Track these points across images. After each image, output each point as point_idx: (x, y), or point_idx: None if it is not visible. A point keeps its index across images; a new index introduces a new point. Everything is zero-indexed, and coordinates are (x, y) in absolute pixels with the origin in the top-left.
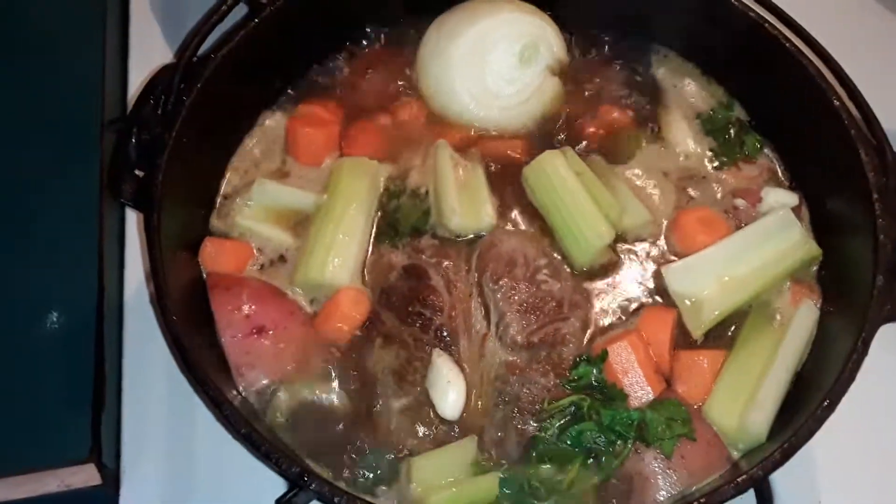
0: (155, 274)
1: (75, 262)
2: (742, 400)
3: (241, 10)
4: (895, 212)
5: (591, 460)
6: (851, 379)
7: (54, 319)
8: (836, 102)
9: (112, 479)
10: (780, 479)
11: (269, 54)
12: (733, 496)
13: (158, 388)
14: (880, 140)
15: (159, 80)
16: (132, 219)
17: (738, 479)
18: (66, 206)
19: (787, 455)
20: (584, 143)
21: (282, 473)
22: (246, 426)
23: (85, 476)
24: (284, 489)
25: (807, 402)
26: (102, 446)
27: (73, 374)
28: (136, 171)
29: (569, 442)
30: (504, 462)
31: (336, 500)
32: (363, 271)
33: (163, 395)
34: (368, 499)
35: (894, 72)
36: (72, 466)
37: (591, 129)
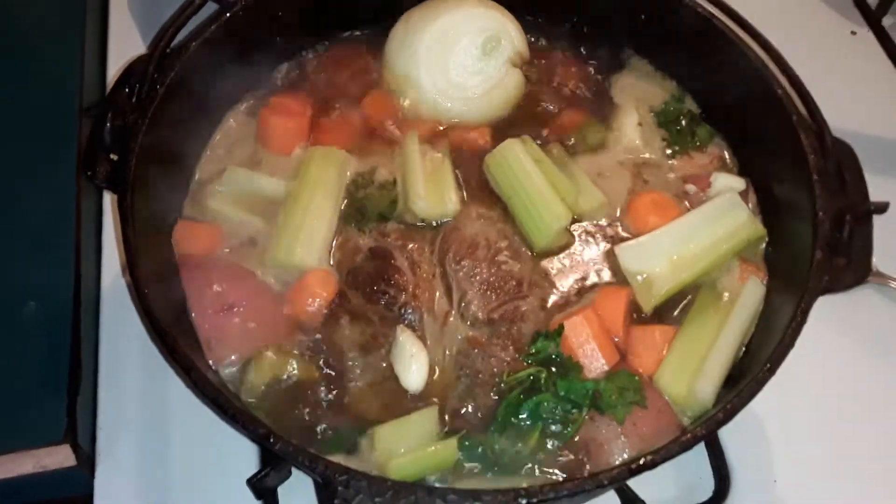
0: (127, 248)
1: (53, 249)
2: (691, 370)
3: (214, 5)
4: (833, 191)
5: (549, 429)
6: (791, 345)
7: (31, 303)
8: (780, 91)
9: (87, 461)
10: (737, 462)
11: (240, 47)
12: (679, 453)
13: (134, 372)
14: (820, 125)
15: (134, 69)
16: (109, 208)
17: (683, 438)
18: (44, 194)
19: (728, 415)
20: (544, 132)
21: (248, 435)
22: (214, 391)
23: (60, 457)
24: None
25: (752, 371)
26: (78, 428)
27: (50, 356)
28: (111, 156)
29: (527, 412)
30: (465, 431)
31: (300, 459)
32: (331, 253)
33: (138, 378)
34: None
35: (834, 65)
36: (47, 447)
37: (551, 120)
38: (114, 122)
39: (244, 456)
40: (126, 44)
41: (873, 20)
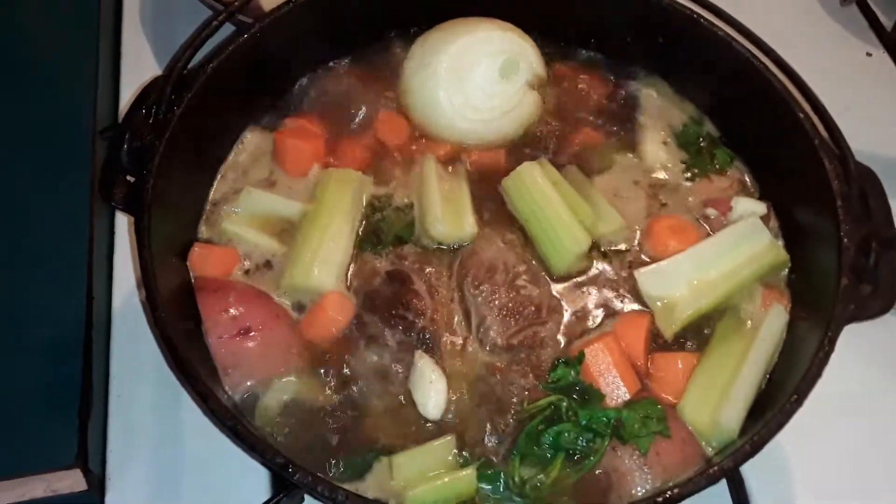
0: (144, 271)
1: (65, 270)
2: (715, 399)
3: (230, 27)
4: (857, 217)
5: (571, 458)
6: (818, 375)
7: (43, 326)
8: (801, 115)
9: (98, 485)
10: (756, 485)
11: (257, 68)
12: (705, 486)
13: (145, 396)
14: (843, 150)
15: (151, 90)
16: (122, 230)
17: (710, 471)
18: (57, 215)
19: (756, 447)
20: (562, 155)
21: (266, 465)
22: (231, 419)
23: (71, 481)
24: (269, 495)
25: (777, 401)
26: (89, 452)
27: (61, 380)
28: (128, 178)
29: (548, 442)
30: (484, 460)
31: (319, 489)
32: (348, 277)
33: (149, 402)
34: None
35: (850, 87)
36: (58, 472)
37: (568, 142)
38: (131, 144)
39: (256, 481)
40: (139, 64)
41: (888, 41)
